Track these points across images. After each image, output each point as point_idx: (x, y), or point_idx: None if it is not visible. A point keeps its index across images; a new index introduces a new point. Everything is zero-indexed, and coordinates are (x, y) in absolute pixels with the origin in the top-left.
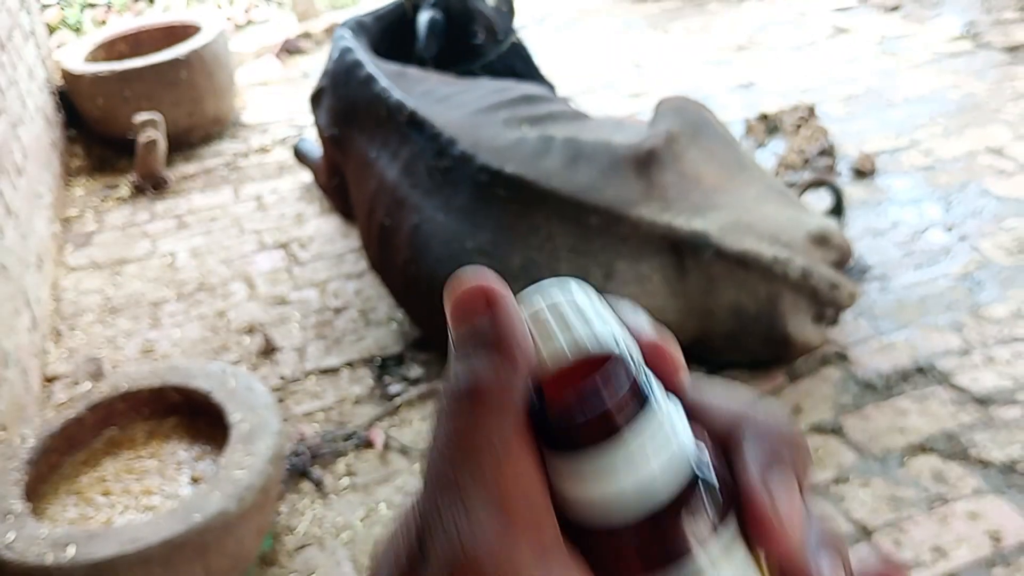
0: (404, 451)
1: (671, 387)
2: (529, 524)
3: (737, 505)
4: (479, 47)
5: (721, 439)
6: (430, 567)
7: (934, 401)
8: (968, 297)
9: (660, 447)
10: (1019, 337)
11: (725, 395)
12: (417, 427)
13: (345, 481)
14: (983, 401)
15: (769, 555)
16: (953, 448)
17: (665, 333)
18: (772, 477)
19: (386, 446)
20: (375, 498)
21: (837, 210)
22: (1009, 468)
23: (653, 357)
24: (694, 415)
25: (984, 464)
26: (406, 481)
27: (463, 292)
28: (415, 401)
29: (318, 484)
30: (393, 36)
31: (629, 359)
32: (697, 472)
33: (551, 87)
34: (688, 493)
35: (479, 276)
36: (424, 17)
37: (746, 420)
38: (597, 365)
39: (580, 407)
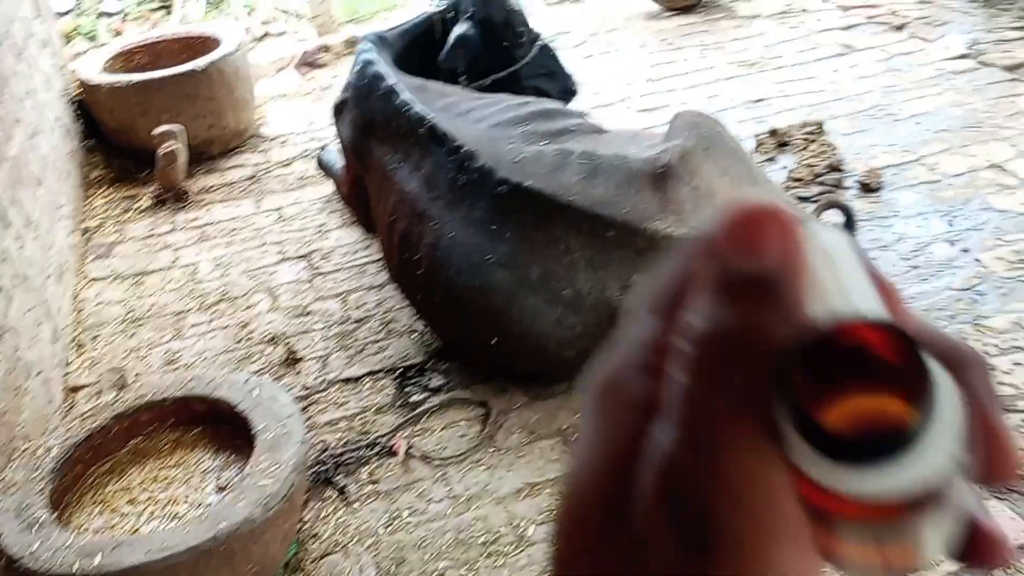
0: (426, 459)
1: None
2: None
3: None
4: (519, 50)
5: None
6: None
7: None
8: (970, 309)
9: (940, 457)
10: (1019, 347)
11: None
12: (439, 435)
13: (368, 489)
14: None
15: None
16: None
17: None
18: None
19: (408, 454)
20: (398, 505)
21: (848, 229)
22: None
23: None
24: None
25: None
26: (428, 488)
27: (753, 213)
28: (437, 410)
29: (342, 492)
30: (419, 50)
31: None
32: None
33: (575, 83)
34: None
35: (771, 204)
36: (457, 31)
37: (961, 356)
38: (894, 358)
39: (875, 425)
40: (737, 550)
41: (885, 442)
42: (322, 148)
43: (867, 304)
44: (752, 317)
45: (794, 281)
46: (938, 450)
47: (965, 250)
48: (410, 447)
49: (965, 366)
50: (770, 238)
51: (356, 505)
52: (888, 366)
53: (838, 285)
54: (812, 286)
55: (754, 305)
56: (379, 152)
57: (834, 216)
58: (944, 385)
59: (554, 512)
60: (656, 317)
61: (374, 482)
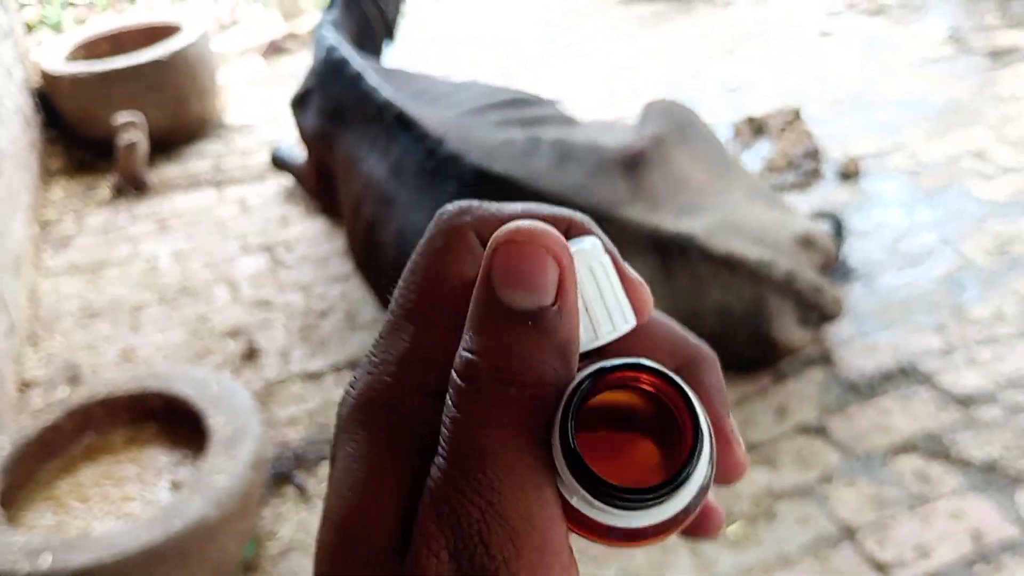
0: None
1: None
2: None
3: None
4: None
5: (679, 366)
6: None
7: (917, 401)
8: (950, 298)
9: (698, 484)
10: (1000, 338)
11: (669, 329)
12: None
13: None
14: (964, 401)
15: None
16: (935, 448)
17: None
18: (726, 412)
19: None
20: None
21: (838, 238)
22: (990, 467)
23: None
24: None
25: (965, 463)
26: None
27: (524, 241)
28: None
29: (301, 489)
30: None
31: (687, 392)
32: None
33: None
34: (699, 500)
35: (546, 233)
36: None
37: (696, 355)
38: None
39: (641, 470)
40: None
41: (652, 491)
42: (276, 144)
43: (627, 322)
44: (523, 353)
45: (565, 313)
46: (695, 482)
47: (945, 239)
48: None
49: (700, 366)
50: (541, 270)
51: (316, 502)
52: (654, 404)
53: (603, 307)
54: (580, 313)
55: (525, 340)
56: (346, 139)
57: (824, 224)
58: (703, 418)
59: (318, 540)
60: (418, 326)
61: None
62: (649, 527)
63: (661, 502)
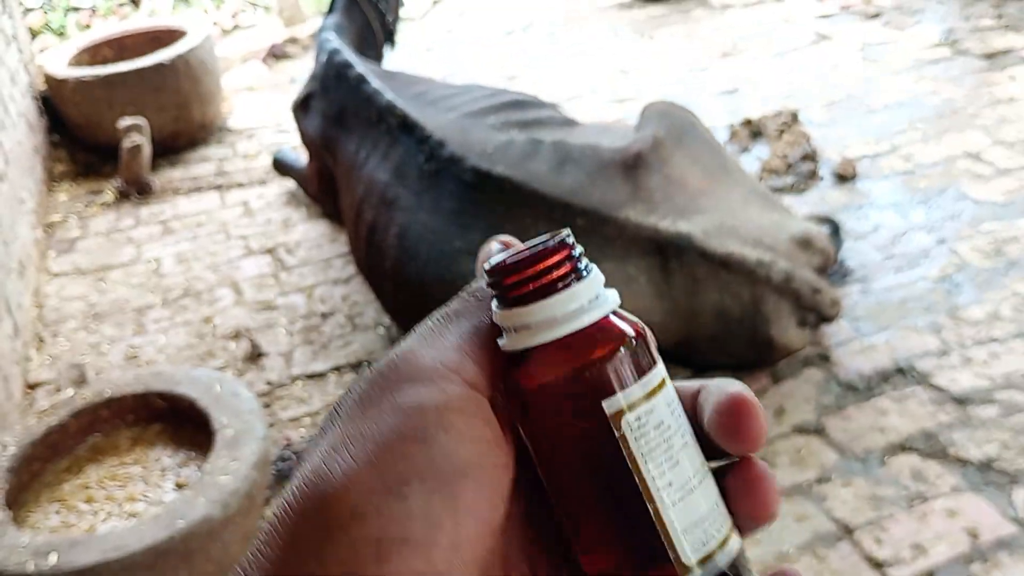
0: None
1: None
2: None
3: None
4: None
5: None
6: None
7: (913, 401)
8: (946, 299)
9: (589, 296)
10: (995, 338)
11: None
12: None
13: None
14: (961, 400)
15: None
16: (932, 447)
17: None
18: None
19: None
20: None
21: (836, 239)
22: (986, 466)
23: None
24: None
25: (962, 462)
26: None
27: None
28: None
29: None
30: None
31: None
32: (612, 314)
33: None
34: (606, 323)
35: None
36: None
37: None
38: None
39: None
40: None
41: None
42: (277, 148)
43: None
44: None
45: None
46: (593, 282)
47: (941, 240)
48: None
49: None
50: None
51: None
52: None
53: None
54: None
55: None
56: (348, 142)
57: (823, 228)
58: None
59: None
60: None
61: None
62: (580, 331)
63: (560, 282)
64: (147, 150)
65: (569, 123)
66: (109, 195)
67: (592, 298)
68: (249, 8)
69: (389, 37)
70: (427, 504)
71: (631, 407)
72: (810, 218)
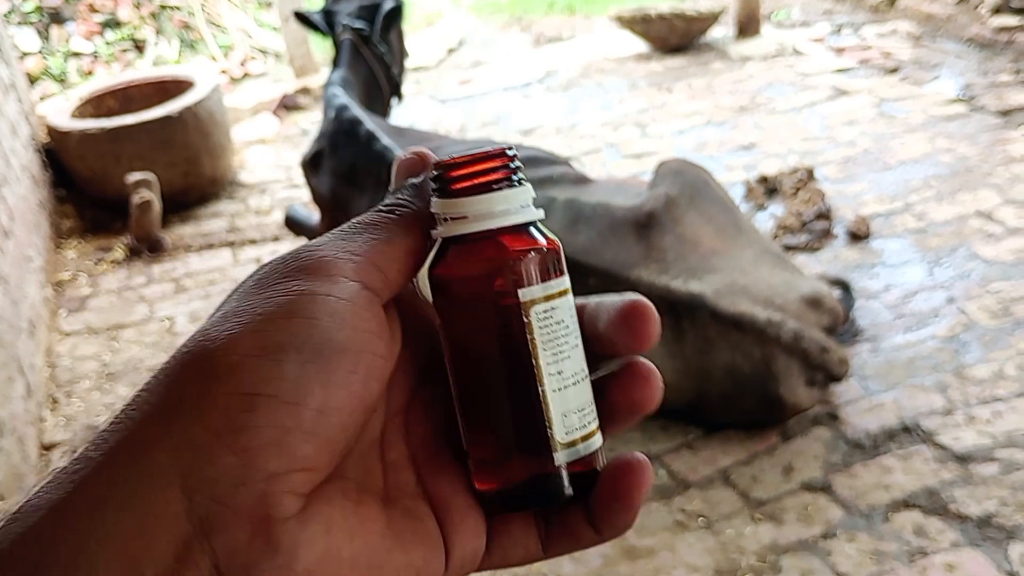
0: None
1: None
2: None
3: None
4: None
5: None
6: None
7: (918, 459)
8: (953, 358)
9: (521, 202)
10: (999, 397)
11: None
12: None
13: None
14: (963, 458)
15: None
16: (934, 503)
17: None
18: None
19: None
20: None
21: (847, 302)
22: (985, 522)
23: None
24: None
25: (962, 518)
26: None
27: (407, 159)
28: None
29: None
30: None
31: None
32: (537, 225)
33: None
34: (531, 228)
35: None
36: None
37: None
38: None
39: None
40: None
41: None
42: (290, 207)
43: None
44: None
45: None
46: (523, 192)
47: (951, 299)
48: None
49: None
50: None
51: None
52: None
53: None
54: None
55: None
56: (360, 201)
57: (834, 290)
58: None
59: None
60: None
61: None
62: (509, 227)
63: (497, 184)
64: (157, 206)
65: (582, 180)
66: (119, 252)
67: (523, 204)
68: (259, 55)
69: (395, 90)
70: (300, 371)
71: (541, 300)
72: (821, 278)
